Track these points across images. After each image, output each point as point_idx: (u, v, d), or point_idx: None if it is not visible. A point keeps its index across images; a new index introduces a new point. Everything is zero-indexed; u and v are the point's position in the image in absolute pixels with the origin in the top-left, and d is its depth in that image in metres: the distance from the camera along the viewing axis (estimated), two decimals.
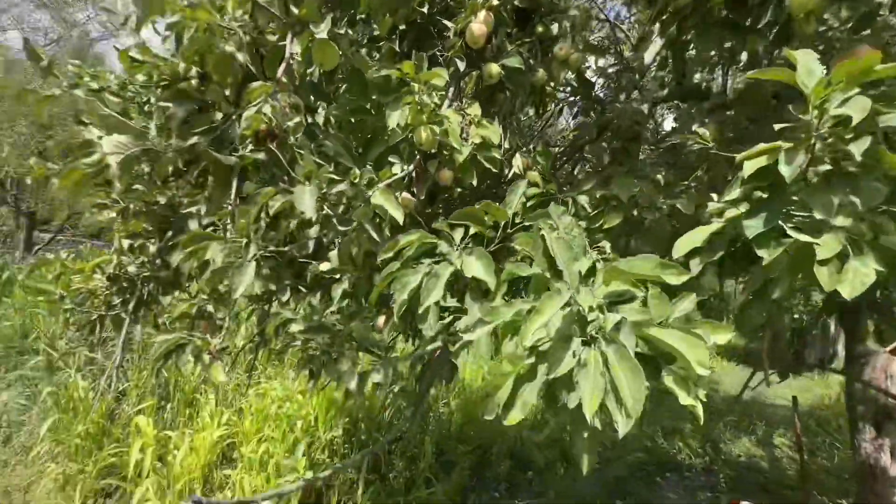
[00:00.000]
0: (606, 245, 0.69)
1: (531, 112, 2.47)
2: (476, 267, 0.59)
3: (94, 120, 0.97)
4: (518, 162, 1.07)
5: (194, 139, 0.77)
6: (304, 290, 1.35)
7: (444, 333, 0.96)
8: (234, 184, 0.77)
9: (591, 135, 1.76)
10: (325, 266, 1.22)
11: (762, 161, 0.62)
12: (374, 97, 0.92)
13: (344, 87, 1.00)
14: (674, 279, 0.53)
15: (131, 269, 1.11)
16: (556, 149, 2.74)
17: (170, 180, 1.23)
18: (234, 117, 0.78)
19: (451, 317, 0.91)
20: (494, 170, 0.91)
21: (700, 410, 0.51)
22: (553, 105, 2.08)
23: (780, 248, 0.67)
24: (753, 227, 0.65)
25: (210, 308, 1.02)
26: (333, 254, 1.24)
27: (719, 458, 4.83)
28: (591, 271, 0.50)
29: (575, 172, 1.98)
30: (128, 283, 1.15)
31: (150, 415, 2.90)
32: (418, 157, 0.83)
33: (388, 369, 0.84)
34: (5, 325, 4.00)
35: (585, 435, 0.51)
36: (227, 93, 0.81)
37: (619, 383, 0.40)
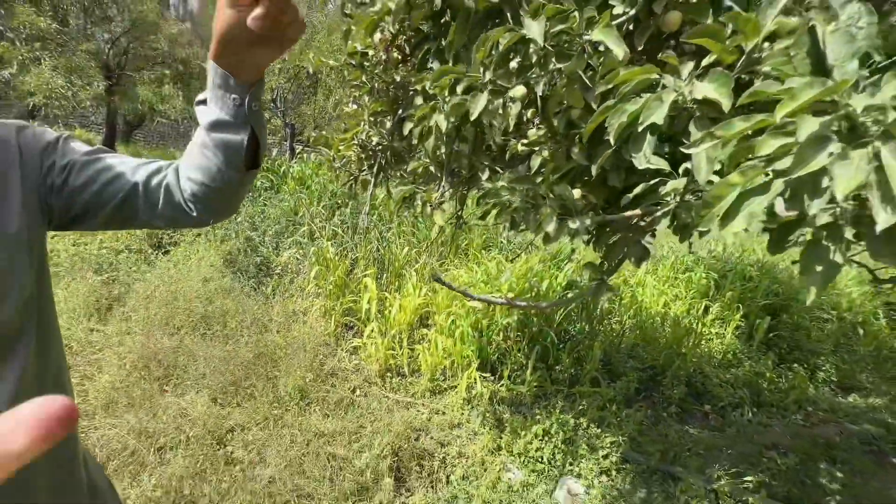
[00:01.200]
0: None
1: None
2: (707, 88, 0.54)
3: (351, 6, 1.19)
4: None
5: None
6: (500, 170, 1.47)
7: (642, 201, 0.94)
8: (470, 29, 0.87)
9: None
10: (524, 142, 1.29)
11: None
12: None
13: None
14: None
15: (375, 139, 1.40)
16: None
17: (399, 65, 1.44)
18: None
19: (656, 181, 0.88)
20: (736, 5, 0.77)
21: None
22: None
23: None
24: None
25: (433, 168, 1.23)
26: (532, 131, 1.30)
27: None
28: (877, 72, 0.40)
29: None
30: (372, 151, 1.46)
31: (373, 278, 3.75)
32: None
33: (584, 223, 0.89)
34: (284, 205, 5.54)
35: (820, 270, 0.47)
36: None
37: (890, 172, 0.35)
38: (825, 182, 0.39)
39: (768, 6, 0.54)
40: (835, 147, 0.39)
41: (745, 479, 2.38)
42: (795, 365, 4.52)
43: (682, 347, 4.24)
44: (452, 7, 0.88)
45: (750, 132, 0.49)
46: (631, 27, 0.89)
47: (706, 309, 5.01)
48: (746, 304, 4.96)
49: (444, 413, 2.91)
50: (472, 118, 0.79)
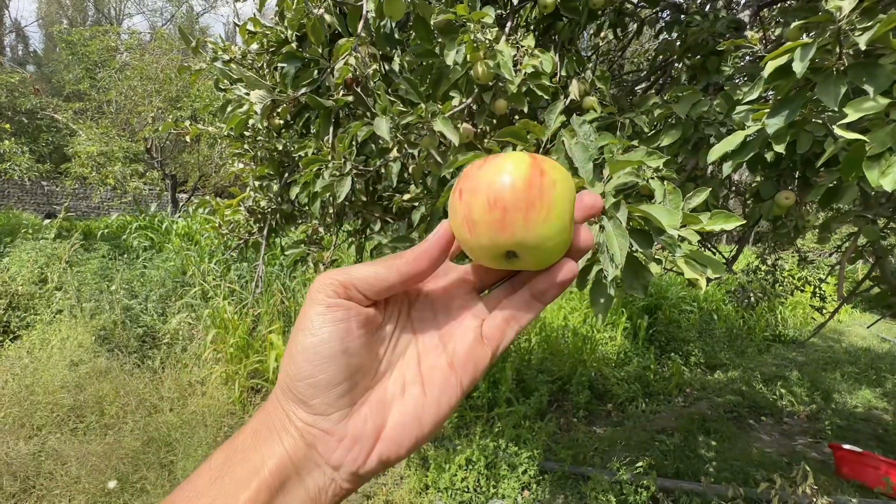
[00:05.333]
0: (659, 162, 0.77)
1: (610, 36, 2.35)
2: None
3: (227, 83, 1.25)
4: (574, 88, 1.13)
5: (303, 90, 1.00)
6: (391, 220, 1.60)
7: None
8: (332, 122, 0.99)
9: (672, 52, 1.68)
10: (406, 196, 1.44)
11: (783, 60, 0.63)
12: (438, 41, 1.05)
13: (413, 34, 1.13)
14: (654, 162, 0.61)
15: (262, 203, 1.44)
16: (633, 74, 2.59)
17: (282, 131, 1.51)
18: (328, 70, 0.98)
19: None
20: (546, 97, 1.00)
21: (703, 283, 0.61)
22: (633, 25, 1.97)
23: (835, 146, 0.68)
24: (774, 124, 0.67)
25: (321, 230, 1.30)
26: (412, 187, 1.45)
27: (829, 406, 4.48)
28: (605, 165, 0.61)
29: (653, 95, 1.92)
30: (261, 214, 1.48)
31: (279, 333, 3.58)
32: (476, 90, 0.96)
33: None
34: (169, 264, 5.05)
35: (602, 301, 0.65)
36: (321, 51, 1.01)
37: (609, 242, 0.53)
38: None
39: (550, 112, 0.73)
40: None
41: (638, 465, 2.70)
42: (673, 354, 5.28)
43: (583, 354, 4.70)
44: (315, 106, 1.00)
45: None
46: (474, 109, 1.09)
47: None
48: (629, 307, 5.69)
49: None
50: (340, 199, 0.90)
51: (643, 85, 2.19)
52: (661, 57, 1.92)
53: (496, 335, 0.30)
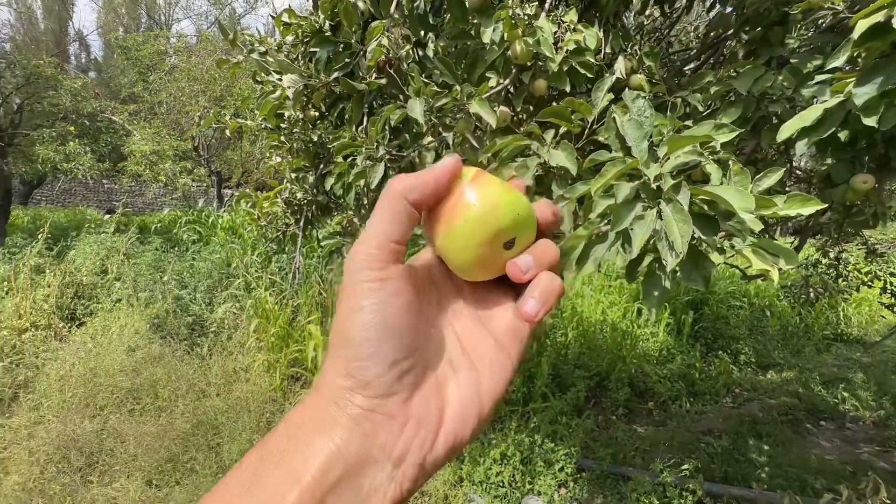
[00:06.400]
0: (730, 136, 0.69)
1: (656, 13, 2.21)
2: (560, 157, 0.67)
3: (263, 76, 1.26)
4: (620, 65, 1.05)
5: (335, 74, 0.98)
6: None
7: None
8: (365, 108, 0.97)
9: (727, 27, 1.55)
10: None
11: (877, 18, 0.53)
12: (474, 21, 1.01)
13: (448, 17, 1.09)
14: (724, 137, 0.54)
15: (298, 195, 1.45)
16: (681, 53, 2.43)
17: (317, 123, 1.52)
18: (361, 53, 0.96)
19: None
20: (590, 76, 0.93)
21: (774, 275, 0.54)
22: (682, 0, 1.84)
23: None
24: (864, 94, 0.57)
25: (356, 221, 1.29)
26: None
27: None
28: (660, 146, 0.54)
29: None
30: (297, 206, 1.50)
31: (317, 324, 3.67)
32: (514, 71, 0.90)
33: None
34: (216, 256, 5.29)
35: (655, 293, 0.59)
36: (354, 34, 0.99)
37: (669, 228, 0.47)
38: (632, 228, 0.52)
39: (597, 90, 0.68)
40: (639, 208, 0.51)
41: (684, 467, 2.57)
42: (720, 352, 4.99)
43: (622, 350, 4.53)
44: (347, 90, 0.98)
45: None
46: (511, 91, 1.04)
47: (639, 311, 5.41)
48: (672, 302, 5.43)
49: None
50: (373, 186, 0.88)
51: (692, 65, 2.04)
52: (712, 33, 1.78)
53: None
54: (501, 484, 2.59)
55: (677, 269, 0.54)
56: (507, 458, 2.71)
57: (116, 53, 12.06)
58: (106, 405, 3.00)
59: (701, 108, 1.03)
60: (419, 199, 0.27)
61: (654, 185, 0.51)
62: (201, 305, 4.37)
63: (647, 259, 0.61)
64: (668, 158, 0.53)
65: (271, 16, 1.26)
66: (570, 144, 0.67)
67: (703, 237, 0.48)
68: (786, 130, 0.65)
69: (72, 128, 7.87)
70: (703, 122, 0.55)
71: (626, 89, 0.58)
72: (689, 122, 0.92)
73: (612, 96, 0.70)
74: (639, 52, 1.07)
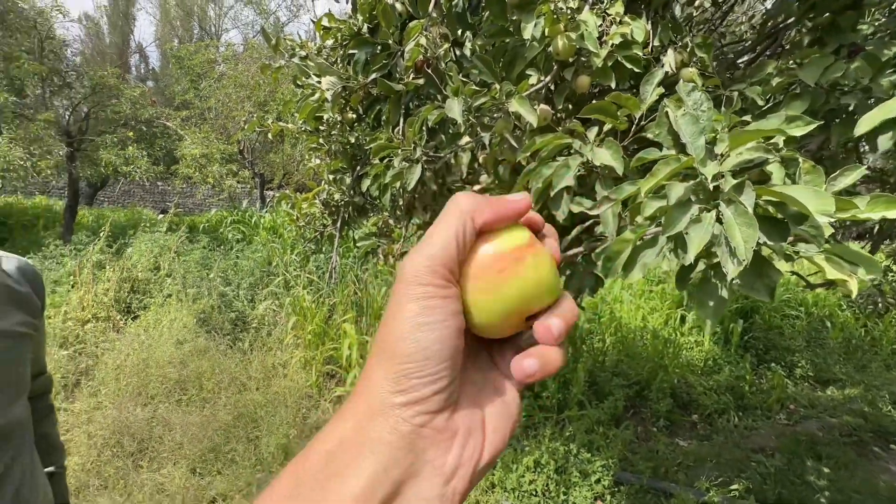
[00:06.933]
0: (805, 129, 0.62)
1: (706, 4, 2.10)
2: (605, 155, 0.63)
3: (303, 79, 1.29)
4: (670, 58, 0.99)
5: (373, 75, 0.98)
6: None
7: (585, 238, 1.02)
8: (402, 110, 0.96)
9: (789, 14, 1.44)
10: (477, 187, 1.38)
11: None
12: (513, 18, 0.98)
13: (486, 15, 1.07)
14: (798, 131, 0.48)
15: (336, 196, 1.47)
16: (733, 46, 2.29)
17: (355, 125, 1.53)
18: (398, 54, 0.96)
19: (592, 221, 0.97)
20: (637, 70, 0.88)
21: (853, 286, 0.48)
22: None
23: None
24: None
25: (391, 222, 1.29)
26: (483, 177, 1.39)
27: None
28: (717, 142, 0.49)
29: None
30: (335, 207, 1.52)
31: (352, 322, 3.73)
32: (555, 67, 0.87)
33: None
34: (257, 255, 5.50)
35: (711, 304, 0.54)
36: (391, 35, 0.99)
37: (730, 232, 0.42)
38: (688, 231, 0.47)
39: (646, 83, 0.63)
40: (694, 210, 0.47)
41: (733, 487, 2.41)
42: (773, 364, 4.66)
43: (664, 359, 4.32)
44: (385, 91, 0.98)
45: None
46: (552, 88, 1.00)
47: (682, 318, 5.15)
48: None
49: None
50: (409, 188, 0.87)
51: (746, 57, 1.91)
52: (770, 22, 1.66)
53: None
54: (534, 493, 2.53)
55: (737, 277, 0.49)
56: (541, 467, 2.64)
57: (171, 63, 12.86)
58: (156, 394, 3.18)
59: (760, 102, 0.96)
60: (484, 224, 0.27)
61: (710, 186, 0.47)
62: (244, 302, 4.55)
63: (701, 265, 0.56)
64: (728, 156, 0.48)
65: (312, 21, 1.29)
66: (615, 142, 0.63)
67: (769, 243, 0.43)
68: (865, 123, 0.58)
69: (131, 133, 8.45)
70: (769, 116, 0.50)
71: (681, 82, 0.53)
72: (746, 118, 0.85)
73: (662, 90, 0.66)
74: (690, 43, 1.01)
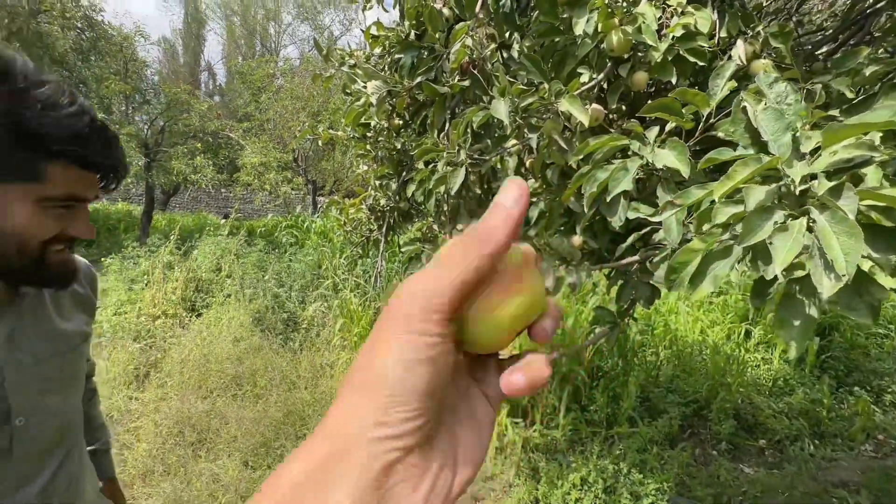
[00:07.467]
0: (875, 137, 0.55)
1: None
2: (668, 157, 0.57)
3: (353, 87, 1.31)
4: (740, 50, 0.90)
5: (419, 78, 0.98)
6: None
7: (641, 247, 0.95)
8: (447, 113, 0.95)
9: None
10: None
11: None
12: (563, 16, 0.93)
13: (535, 15, 1.03)
14: None
15: (382, 201, 1.48)
16: (816, 33, 2.09)
17: (401, 131, 1.54)
18: (444, 56, 0.95)
19: (650, 229, 0.90)
20: (701, 63, 0.81)
21: None
22: None
23: None
24: None
25: (436, 228, 1.28)
26: (530, 181, 1.35)
27: None
28: (804, 140, 0.42)
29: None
30: (381, 212, 1.53)
31: None
32: (609, 64, 0.82)
33: (581, 275, 0.90)
34: (309, 259, 5.73)
35: (797, 323, 0.47)
36: (438, 40, 0.98)
37: (826, 242, 0.36)
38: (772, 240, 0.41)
39: (716, 77, 0.57)
40: (778, 216, 0.41)
41: None
42: (857, 388, 4.17)
43: (726, 377, 3.99)
44: (430, 94, 0.97)
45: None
46: (605, 87, 0.95)
47: (747, 333, 4.75)
48: None
49: None
50: (453, 192, 0.84)
51: (825, 48, 1.73)
52: (857, 6, 1.49)
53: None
54: None
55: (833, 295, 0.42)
56: (589, 485, 2.51)
57: (235, 78, 13.81)
58: (214, 388, 3.38)
59: (850, 95, 0.85)
60: (493, 255, 0.24)
61: (797, 189, 0.41)
62: (295, 303, 4.75)
63: (781, 277, 0.49)
64: (820, 155, 0.42)
65: (361, 30, 1.31)
66: (680, 142, 0.57)
67: (874, 255, 0.37)
68: None
69: (199, 144, 9.16)
70: (875, 108, 0.43)
71: (761, 73, 0.47)
72: (833, 112, 0.75)
73: (735, 84, 0.59)
74: (763, 33, 0.92)
